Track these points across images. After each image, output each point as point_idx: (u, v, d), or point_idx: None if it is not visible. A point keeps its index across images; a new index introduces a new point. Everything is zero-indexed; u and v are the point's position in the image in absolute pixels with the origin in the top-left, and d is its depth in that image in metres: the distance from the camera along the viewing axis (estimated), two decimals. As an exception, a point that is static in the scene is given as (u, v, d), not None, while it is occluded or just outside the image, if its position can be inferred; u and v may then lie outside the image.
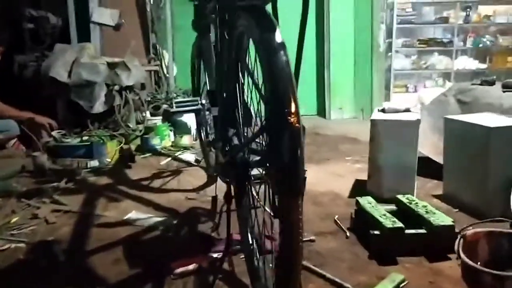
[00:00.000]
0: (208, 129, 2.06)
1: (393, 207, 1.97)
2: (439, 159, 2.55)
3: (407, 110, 2.42)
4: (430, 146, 2.71)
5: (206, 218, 2.13)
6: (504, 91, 2.41)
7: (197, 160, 3.17)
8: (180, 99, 2.17)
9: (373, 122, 2.25)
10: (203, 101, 2.11)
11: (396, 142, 2.22)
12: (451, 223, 1.67)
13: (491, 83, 2.68)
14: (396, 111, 2.41)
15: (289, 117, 0.89)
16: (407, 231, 1.67)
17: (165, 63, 4.40)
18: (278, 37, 0.98)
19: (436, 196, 2.35)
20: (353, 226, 1.95)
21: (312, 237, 1.86)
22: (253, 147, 1.26)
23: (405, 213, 1.86)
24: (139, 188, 2.61)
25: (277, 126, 0.90)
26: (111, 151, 3.15)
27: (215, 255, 1.68)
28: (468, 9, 5.34)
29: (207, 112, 2.08)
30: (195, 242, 1.88)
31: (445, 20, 5.36)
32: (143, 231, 2.00)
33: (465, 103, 2.65)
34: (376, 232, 1.69)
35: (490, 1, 5.35)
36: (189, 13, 4.37)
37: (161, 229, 2.00)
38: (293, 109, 0.90)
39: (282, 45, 0.97)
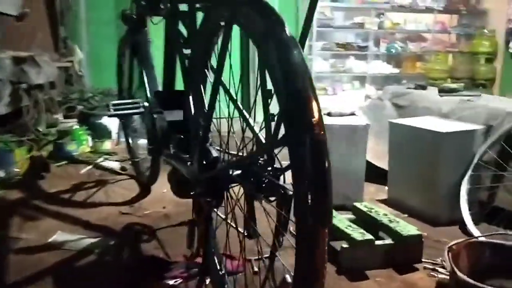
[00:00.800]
0: (154, 135, 1.81)
1: (350, 215, 1.90)
2: (378, 162, 2.55)
3: (352, 114, 2.38)
4: (368, 150, 2.71)
5: (148, 236, 1.88)
6: (441, 95, 2.47)
7: (123, 168, 2.86)
8: (117, 100, 1.89)
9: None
10: (146, 104, 1.86)
11: (346, 147, 2.16)
12: (419, 233, 1.63)
13: (424, 88, 2.75)
14: (341, 114, 2.36)
15: (315, 129, 0.73)
16: (377, 242, 1.59)
17: (77, 60, 3.96)
18: (289, 33, 0.82)
19: (381, 201, 2.34)
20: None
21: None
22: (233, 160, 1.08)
23: (365, 222, 1.79)
24: (59, 203, 2.26)
25: (300, 139, 0.73)
26: (20, 159, 2.72)
27: (171, 282, 1.46)
28: (381, 16, 5.57)
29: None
30: (142, 266, 1.63)
31: (361, 25, 5.54)
32: (75, 256, 1.70)
33: (401, 107, 2.69)
34: (345, 245, 1.59)
35: (401, 9, 5.63)
36: (108, 5, 3.99)
37: (97, 252, 1.72)
38: (317, 117, 0.74)
39: (295, 42, 0.81)
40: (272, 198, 1.00)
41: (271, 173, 1.01)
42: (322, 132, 0.73)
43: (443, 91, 2.48)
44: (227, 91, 1.12)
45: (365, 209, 1.85)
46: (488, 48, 5.58)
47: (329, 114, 2.37)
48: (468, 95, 2.41)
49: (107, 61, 4.22)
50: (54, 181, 2.60)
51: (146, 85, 1.98)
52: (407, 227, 1.65)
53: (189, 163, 1.29)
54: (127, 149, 2.76)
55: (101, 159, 3.03)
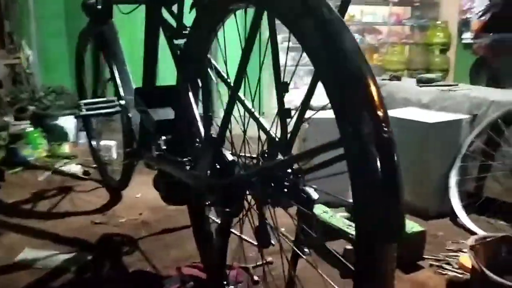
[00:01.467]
0: (135, 136, 1.64)
1: (345, 213, 1.82)
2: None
3: (325, 108, 2.30)
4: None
5: (129, 248, 1.71)
6: (420, 86, 2.44)
7: (86, 172, 2.64)
8: (89, 100, 1.70)
9: (309, 122, 2.07)
10: (122, 102, 1.68)
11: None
12: (422, 229, 1.57)
13: (399, 78, 2.73)
14: (323, 108, 2.27)
15: (383, 124, 0.62)
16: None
17: (25, 57, 3.64)
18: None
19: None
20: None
21: (269, 258, 1.59)
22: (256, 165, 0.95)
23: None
24: (21, 215, 2.03)
25: (364, 139, 0.62)
26: (-31, 167, 2.44)
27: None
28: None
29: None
30: (129, 283, 1.47)
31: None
32: (49, 275, 1.51)
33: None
34: (348, 246, 1.50)
35: (357, 1, 5.65)
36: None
37: (73, 269, 1.53)
38: (383, 110, 0.63)
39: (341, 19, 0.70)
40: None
41: (292, 176, 0.90)
42: (391, 129, 0.62)
43: (421, 82, 2.46)
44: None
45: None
46: (442, 39, 5.72)
47: (310, 108, 2.27)
48: (446, 85, 2.40)
49: (58, 58, 3.94)
50: (11, 190, 2.35)
51: (118, 82, 1.80)
52: (409, 224, 1.59)
53: (188, 166, 1.15)
54: (91, 152, 2.55)
55: (61, 163, 2.78)
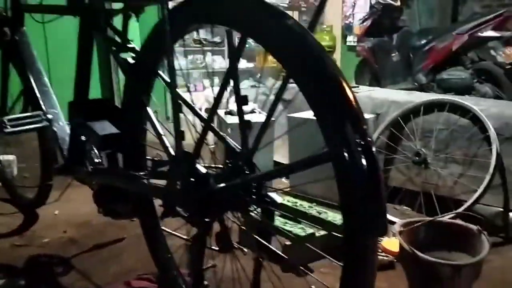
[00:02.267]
0: (63, 150, 1.57)
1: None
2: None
3: (253, 111, 2.42)
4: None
5: (63, 267, 1.64)
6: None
7: (-13, 192, 2.41)
8: (13, 115, 1.56)
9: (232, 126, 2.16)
10: (50, 116, 1.59)
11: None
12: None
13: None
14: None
15: (367, 135, 0.73)
16: (321, 234, 1.67)
17: None
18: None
19: (285, 193, 2.43)
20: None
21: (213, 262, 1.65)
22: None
23: (293, 215, 1.85)
24: None
25: (351, 149, 0.72)
26: None
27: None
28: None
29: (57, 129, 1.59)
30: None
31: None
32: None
33: (287, 101, 2.82)
34: (288, 242, 1.62)
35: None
36: None
37: (7, 298, 1.44)
38: (364, 128, 0.74)
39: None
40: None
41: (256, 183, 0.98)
42: (370, 138, 0.73)
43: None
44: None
45: (290, 204, 1.90)
46: (328, 41, 6.19)
47: (230, 113, 2.36)
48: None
49: None
50: None
51: (38, 94, 1.70)
52: (337, 216, 1.76)
53: (145, 180, 1.16)
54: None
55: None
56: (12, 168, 2.67)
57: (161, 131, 1.14)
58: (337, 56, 6.26)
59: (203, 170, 0.98)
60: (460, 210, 1.78)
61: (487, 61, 3.94)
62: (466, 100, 2.08)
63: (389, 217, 2.01)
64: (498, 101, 2.62)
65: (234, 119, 2.21)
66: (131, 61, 1.21)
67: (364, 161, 0.72)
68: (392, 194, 2.19)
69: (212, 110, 0.96)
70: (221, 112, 2.71)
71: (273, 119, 0.97)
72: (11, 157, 2.65)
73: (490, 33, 3.78)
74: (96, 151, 1.50)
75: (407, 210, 2.13)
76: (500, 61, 3.84)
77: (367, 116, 2.28)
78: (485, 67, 3.90)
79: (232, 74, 0.95)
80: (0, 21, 1.86)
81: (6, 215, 2.11)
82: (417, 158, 2.06)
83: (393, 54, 4.73)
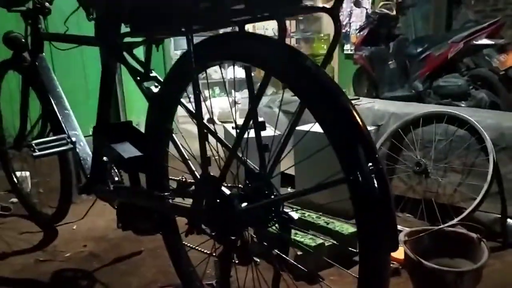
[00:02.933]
0: (85, 171, 1.67)
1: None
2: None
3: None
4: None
5: (87, 281, 1.73)
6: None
7: (5, 208, 2.51)
8: (40, 139, 1.65)
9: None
10: (74, 139, 1.69)
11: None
12: (355, 230, 1.84)
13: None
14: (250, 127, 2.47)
15: (378, 159, 0.83)
16: (329, 243, 1.76)
17: None
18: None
19: (291, 203, 2.53)
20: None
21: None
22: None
23: (302, 225, 1.95)
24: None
25: (364, 173, 0.82)
26: None
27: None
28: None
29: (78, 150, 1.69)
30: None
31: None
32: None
33: (292, 113, 2.93)
34: (299, 252, 1.71)
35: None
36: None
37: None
38: (376, 155, 0.84)
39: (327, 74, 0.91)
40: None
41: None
42: (382, 166, 0.83)
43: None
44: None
45: (298, 214, 2.00)
46: (325, 50, 6.31)
47: (238, 128, 2.46)
48: (352, 99, 2.75)
49: None
50: None
51: (60, 117, 1.79)
52: (344, 226, 1.86)
53: (171, 200, 1.26)
54: (11, 185, 2.45)
55: (-28, 200, 2.60)
56: (27, 184, 2.76)
57: (185, 154, 1.24)
58: (334, 64, 6.38)
59: (228, 192, 1.08)
60: (460, 217, 1.89)
61: (482, 68, 4.05)
62: (463, 111, 2.19)
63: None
64: (494, 111, 2.73)
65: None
66: (154, 90, 1.32)
67: (376, 186, 0.82)
68: (395, 202, 2.28)
69: (234, 147, 1.06)
70: (228, 126, 2.82)
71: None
72: (26, 173, 2.74)
73: (484, 41, 3.89)
74: (117, 171, 1.61)
75: (410, 217, 2.23)
76: (495, 68, 3.96)
77: (368, 128, 2.39)
78: (480, 73, 4.01)
79: (253, 110, 1.06)
80: (20, 47, 1.97)
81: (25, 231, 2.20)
82: (417, 168, 2.17)
83: (389, 62, 4.84)
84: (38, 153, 1.56)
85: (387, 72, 4.84)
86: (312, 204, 2.37)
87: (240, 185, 1.18)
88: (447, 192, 2.11)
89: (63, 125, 1.78)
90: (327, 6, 0.95)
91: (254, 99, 1.05)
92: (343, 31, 6.11)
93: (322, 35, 6.42)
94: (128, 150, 1.45)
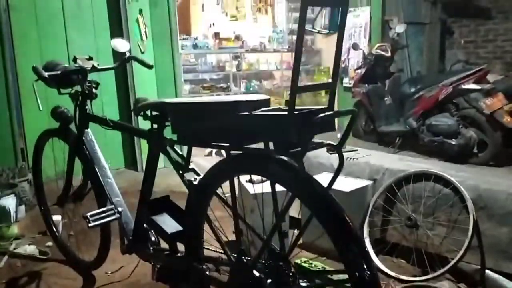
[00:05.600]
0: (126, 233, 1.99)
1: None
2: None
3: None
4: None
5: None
6: (330, 153, 3.09)
7: (43, 252, 2.81)
8: (93, 211, 1.95)
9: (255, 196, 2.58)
10: (119, 209, 2.02)
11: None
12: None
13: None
14: (262, 181, 2.79)
15: (370, 270, 1.16)
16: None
17: None
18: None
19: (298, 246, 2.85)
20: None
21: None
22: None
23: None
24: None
25: (362, 275, 1.15)
26: None
27: None
28: (239, 59, 6.22)
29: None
30: None
31: (222, 68, 6.09)
32: None
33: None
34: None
35: (254, 51, 6.37)
36: None
37: None
38: (369, 257, 1.17)
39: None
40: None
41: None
42: (375, 272, 1.16)
43: (330, 150, 3.12)
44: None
45: (306, 265, 2.32)
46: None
47: (251, 181, 2.78)
48: (350, 151, 3.09)
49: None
50: (-23, 284, 2.46)
51: (106, 188, 2.11)
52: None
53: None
54: (48, 230, 2.75)
55: (13, 245, 2.90)
56: (58, 228, 3.05)
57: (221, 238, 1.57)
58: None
59: (258, 274, 1.40)
60: (446, 268, 2.21)
61: (470, 109, 4.39)
62: (448, 169, 2.53)
63: (384, 269, 2.42)
64: (475, 169, 3.05)
65: (257, 188, 2.62)
66: (195, 182, 1.64)
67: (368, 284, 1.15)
68: (391, 249, 2.61)
69: (266, 241, 1.39)
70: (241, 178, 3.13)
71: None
72: (58, 217, 3.02)
73: (472, 85, 4.23)
74: (156, 237, 1.92)
75: (403, 263, 2.55)
76: (481, 109, 4.30)
77: (366, 182, 2.72)
78: (469, 114, 4.34)
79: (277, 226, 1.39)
80: (66, 120, 2.30)
81: (65, 278, 2.51)
82: (409, 222, 2.49)
83: (386, 98, 5.18)
84: (92, 224, 1.88)
85: (383, 107, 5.18)
86: (319, 248, 2.68)
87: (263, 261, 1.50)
88: (435, 243, 2.43)
89: (107, 193, 2.10)
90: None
91: (279, 217, 1.36)
92: (342, 65, 6.47)
93: (322, 67, 6.77)
94: (169, 224, 1.77)
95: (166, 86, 4.84)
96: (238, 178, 1.51)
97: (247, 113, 1.31)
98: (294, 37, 6.79)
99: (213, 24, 6.48)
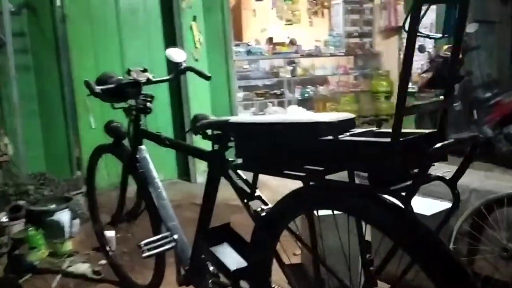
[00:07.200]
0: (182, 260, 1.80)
1: None
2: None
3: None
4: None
5: None
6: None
7: (96, 272, 2.69)
8: (147, 240, 1.78)
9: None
10: (175, 236, 1.83)
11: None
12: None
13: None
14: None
15: None
16: None
17: (3, 144, 3.60)
18: None
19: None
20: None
21: None
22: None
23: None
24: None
25: None
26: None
27: None
28: (293, 64, 5.97)
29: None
30: None
31: (276, 74, 5.87)
32: None
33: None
34: None
35: (309, 55, 6.10)
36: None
37: None
38: None
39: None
40: None
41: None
42: None
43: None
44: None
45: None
46: (386, 87, 6.30)
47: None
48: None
49: (30, 139, 3.90)
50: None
51: (159, 210, 1.93)
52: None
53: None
54: (102, 248, 2.63)
55: (66, 263, 2.81)
56: (112, 244, 2.93)
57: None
58: (395, 100, 6.33)
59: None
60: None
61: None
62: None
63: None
64: None
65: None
66: (262, 213, 1.41)
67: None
68: (484, 283, 2.26)
69: None
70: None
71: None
72: (111, 233, 2.90)
73: (558, 91, 3.78)
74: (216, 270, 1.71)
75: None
76: None
77: (449, 204, 2.38)
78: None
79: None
80: (120, 136, 2.15)
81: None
82: (505, 253, 2.14)
83: (455, 104, 4.77)
84: (146, 253, 1.70)
85: (452, 113, 4.77)
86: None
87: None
88: (536, 278, 2.07)
89: (161, 217, 1.92)
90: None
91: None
92: (404, 69, 6.08)
93: (381, 71, 6.40)
94: (231, 259, 1.55)
95: (220, 95, 4.68)
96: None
97: (331, 137, 1.06)
98: (352, 40, 6.50)
99: (265, 29, 6.28)
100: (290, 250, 1.65)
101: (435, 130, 1.04)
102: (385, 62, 6.45)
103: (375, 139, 0.98)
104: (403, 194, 0.98)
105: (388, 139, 0.94)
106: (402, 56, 4.88)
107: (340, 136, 1.06)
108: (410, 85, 5.99)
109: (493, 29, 6.17)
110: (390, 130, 1.14)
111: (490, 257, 2.23)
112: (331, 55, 6.18)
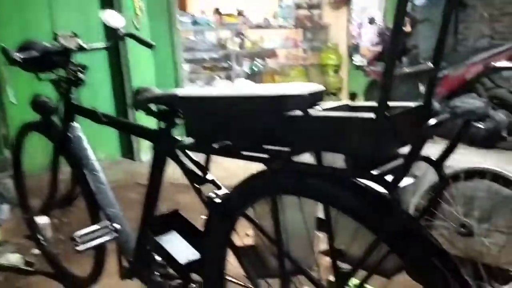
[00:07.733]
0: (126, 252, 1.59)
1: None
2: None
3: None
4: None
5: None
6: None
7: (29, 263, 2.42)
8: (83, 231, 1.54)
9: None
10: (116, 225, 1.61)
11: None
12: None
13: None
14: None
15: None
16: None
17: None
18: None
19: (324, 253, 2.47)
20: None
21: None
22: None
23: None
24: None
25: None
26: None
27: None
28: (242, 36, 5.73)
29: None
30: None
31: (223, 47, 5.62)
32: None
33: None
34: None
35: (257, 28, 5.88)
36: None
37: None
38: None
39: None
40: None
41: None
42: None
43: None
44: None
45: None
46: (335, 60, 6.23)
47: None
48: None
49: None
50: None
51: (95, 194, 1.70)
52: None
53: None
54: (33, 236, 2.36)
55: (-6, 254, 2.51)
56: (46, 232, 2.66)
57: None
58: (343, 74, 6.30)
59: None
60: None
61: (500, 89, 4.00)
62: (505, 166, 2.13)
63: None
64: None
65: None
66: (216, 199, 1.23)
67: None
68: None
69: None
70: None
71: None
72: (44, 219, 2.62)
73: (504, 63, 3.83)
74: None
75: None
76: (514, 89, 3.91)
77: (406, 180, 2.32)
78: (499, 95, 3.96)
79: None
80: (48, 112, 1.88)
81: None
82: (463, 229, 2.11)
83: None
84: (81, 247, 1.47)
85: (399, 87, 4.78)
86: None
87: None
88: (492, 253, 2.05)
89: (99, 203, 1.70)
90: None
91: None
92: (353, 42, 6.01)
93: (329, 44, 6.31)
94: (181, 250, 1.38)
95: (165, 67, 4.39)
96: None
97: (301, 113, 0.89)
98: (301, 12, 6.33)
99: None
100: (241, 230, 1.49)
101: (421, 104, 0.89)
102: (334, 34, 6.36)
103: (359, 114, 0.82)
104: (387, 178, 0.83)
105: (372, 115, 0.78)
106: (351, 28, 4.82)
107: (311, 112, 0.89)
108: (358, 58, 5.97)
109: (438, 1, 6.24)
110: (367, 104, 0.99)
111: (446, 232, 2.20)
112: (280, 27, 6.00)
